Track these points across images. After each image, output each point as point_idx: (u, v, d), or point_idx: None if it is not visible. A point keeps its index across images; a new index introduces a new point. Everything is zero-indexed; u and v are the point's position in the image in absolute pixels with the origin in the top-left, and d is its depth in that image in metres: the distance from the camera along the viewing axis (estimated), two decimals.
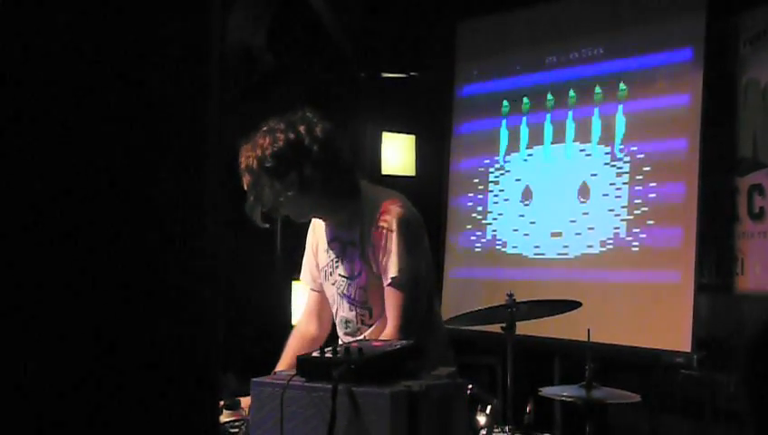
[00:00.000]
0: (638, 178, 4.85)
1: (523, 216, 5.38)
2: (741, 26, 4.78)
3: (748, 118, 4.76)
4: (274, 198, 2.94)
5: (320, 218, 3.15)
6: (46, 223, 1.08)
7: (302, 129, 2.94)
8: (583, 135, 5.14)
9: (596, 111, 5.10)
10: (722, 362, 4.70)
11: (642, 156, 4.85)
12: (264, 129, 2.98)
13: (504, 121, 5.56)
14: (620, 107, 4.99)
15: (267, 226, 3.09)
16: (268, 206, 2.97)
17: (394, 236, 2.92)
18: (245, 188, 2.99)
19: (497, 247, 5.49)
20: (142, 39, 1.13)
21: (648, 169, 4.82)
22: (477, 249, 5.61)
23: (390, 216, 2.95)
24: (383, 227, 2.94)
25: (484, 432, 2.86)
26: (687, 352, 4.52)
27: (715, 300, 4.87)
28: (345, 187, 3.02)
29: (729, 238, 4.79)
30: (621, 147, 4.94)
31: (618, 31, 5.09)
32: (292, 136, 2.92)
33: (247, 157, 2.95)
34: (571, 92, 5.22)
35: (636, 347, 4.72)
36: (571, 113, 5.22)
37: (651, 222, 4.78)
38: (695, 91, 4.69)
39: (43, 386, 1.07)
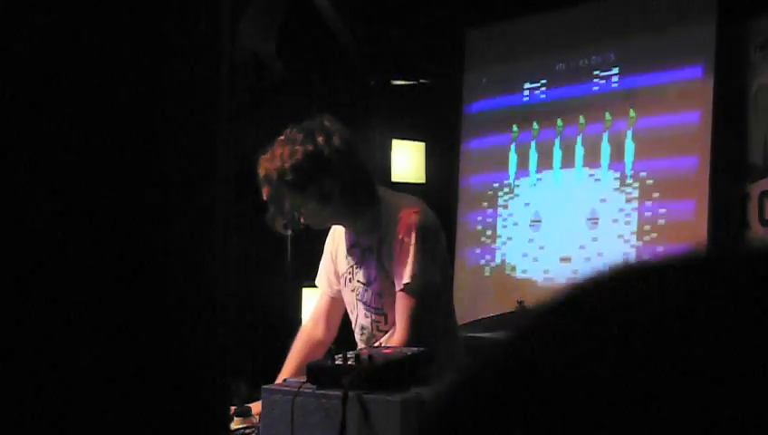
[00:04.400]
0: (647, 203, 4.83)
1: (532, 240, 5.37)
2: (751, 32, 4.78)
3: (759, 124, 4.75)
4: (295, 209, 2.92)
5: (339, 225, 3.13)
6: (49, 230, 1.08)
7: (320, 139, 2.91)
8: (593, 159, 5.12)
9: (605, 136, 5.08)
10: None
11: (651, 182, 4.83)
12: (282, 138, 2.94)
13: (513, 146, 5.56)
14: (630, 133, 4.97)
15: (289, 232, 3.08)
16: (288, 217, 2.94)
17: (411, 241, 2.90)
18: (265, 198, 2.97)
19: (507, 273, 5.48)
20: (150, 46, 1.14)
21: (657, 194, 4.80)
22: (486, 274, 5.60)
23: (409, 221, 2.93)
24: (401, 233, 2.92)
25: None
26: None
27: None
28: (364, 194, 3.00)
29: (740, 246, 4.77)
30: (631, 172, 4.92)
31: (628, 38, 5.08)
32: (310, 147, 2.89)
33: (266, 168, 2.91)
34: (581, 119, 5.21)
35: None
36: (580, 139, 5.21)
37: (661, 249, 4.76)
38: (705, 98, 4.69)
39: (46, 391, 1.08)
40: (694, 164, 4.69)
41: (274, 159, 2.90)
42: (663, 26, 4.93)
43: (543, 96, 5.44)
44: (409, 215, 2.96)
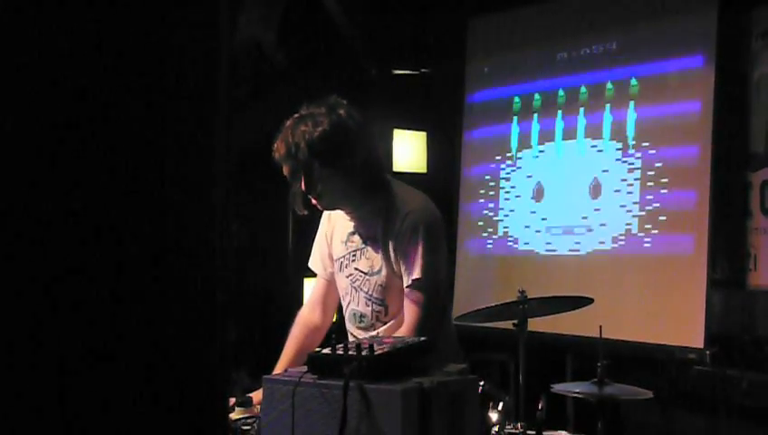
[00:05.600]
0: (650, 173, 4.83)
1: (534, 212, 5.38)
2: (753, 21, 4.77)
3: (760, 113, 4.74)
4: (324, 182, 2.91)
5: (344, 209, 3.11)
6: (51, 222, 1.08)
7: (342, 112, 2.91)
8: (595, 131, 5.13)
9: (607, 107, 5.08)
10: (735, 358, 4.69)
11: (654, 151, 4.83)
12: (298, 116, 2.92)
13: (515, 118, 5.56)
14: (632, 103, 4.97)
15: (306, 212, 3.06)
16: (317, 191, 2.92)
17: (419, 237, 2.90)
18: (287, 176, 2.96)
19: (509, 244, 5.49)
20: (150, 36, 1.13)
21: (660, 164, 4.80)
22: (489, 246, 5.61)
23: (416, 216, 2.93)
24: (408, 228, 2.92)
25: (496, 429, 2.86)
26: (700, 349, 4.51)
27: (727, 296, 4.85)
28: (376, 178, 3.00)
29: (741, 234, 4.77)
30: (633, 143, 4.92)
31: (630, 27, 5.07)
32: (335, 118, 2.89)
33: (288, 144, 2.88)
34: (583, 89, 5.21)
35: (648, 343, 4.71)
36: (582, 110, 5.21)
37: (663, 218, 4.76)
38: (707, 86, 4.67)
39: (51, 382, 1.08)
40: (695, 153, 4.68)
41: (297, 134, 2.88)
42: (665, 15, 4.91)
43: (545, 86, 5.43)
44: (417, 210, 2.95)
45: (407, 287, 2.93)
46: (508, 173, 5.56)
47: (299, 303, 5.22)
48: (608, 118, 5.07)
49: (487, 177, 5.67)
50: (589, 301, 3.46)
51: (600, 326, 3.18)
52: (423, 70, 6.07)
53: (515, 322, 3.22)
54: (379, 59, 6.01)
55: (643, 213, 4.85)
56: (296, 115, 2.93)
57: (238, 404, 2.85)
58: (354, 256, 3.08)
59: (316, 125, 2.87)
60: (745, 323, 4.80)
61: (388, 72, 6.03)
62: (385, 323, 3.04)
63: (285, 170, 2.94)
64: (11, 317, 1.06)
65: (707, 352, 4.50)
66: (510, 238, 5.49)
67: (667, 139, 4.80)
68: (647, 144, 4.87)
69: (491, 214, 5.63)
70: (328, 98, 2.97)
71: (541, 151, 5.40)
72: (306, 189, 2.93)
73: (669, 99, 4.84)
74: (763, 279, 4.66)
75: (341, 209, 3.10)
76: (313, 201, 2.99)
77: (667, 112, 4.83)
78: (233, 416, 2.79)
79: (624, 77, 5.04)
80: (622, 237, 4.92)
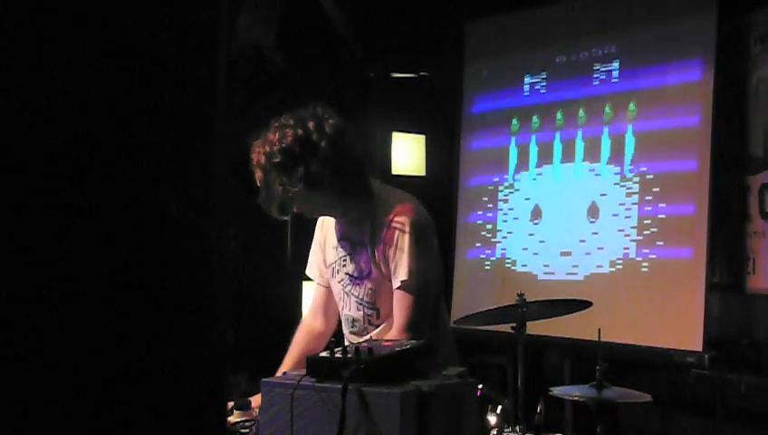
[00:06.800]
0: (647, 198, 4.81)
1: (532, 234, 5.36)
2: (751, 25, 4.77)
3: (759, 116, 4.74)
4: (283, 193, 2.94)
5: (330, 216, 3.15)
6: (48, 223, 1.08)
7: (311, 124, 2.94)
8: (593, 155, 5.11)
9: (606, 111, 5.08)
10: (733, 361, 4.69)
11: (651, 176, 4.81)
12: (275, 124, 2.98)
13: (513, 139, 5.55)
14: (631, 106, 4.97)
15: (285, 218, 3.10)
16: (278, 201, 2.97)
17: (406, 238, 2.92)
18: (258, 183, 3.00)
19: (506, 266, 5.48)
20: (148, 37, 1.13)
21: (657, 189, 4.78)
22: (487, 267, 5.60)
23: (403, 218, 2.95)
24: (395, 230, 2.93)
25: (495, 432, 2.86)
26: (699, 352, 4.50)
27: (726, 299, 4.85)
28: (355, 185, 3.02)
29: (740, 238, 4.77)
30: (631, 167, 4.90)
31: (628, 31, 5.07)
32: (300, 132, 2.92)
33: (258, 152, 2.96)
34: (581, 112, 5.19)
35: (647, 347, 4.70)
36: (580, 133, 5.19)
37: (661, 243, 4.74)
38: (706, 90, 4.67)
39: (46, 387, 1.08)
40: (694, 157, 4.68)
41: (266, 144, 2.94)
42: (664, 19, 4.91)
43: (544, 90, 5.43)
44: (405, 211, 2.97)
45: (396, 289, 2.94)
46: (506, 195, 5.55)
47: (298, 306, 5.22)
48: (605, 142, 5.05)
49: (485, 198, 5.66)
50: (587, 304, 3.46)
51: (599, 329, 3.18)
52: (422, 73, 6.07)
53: (514, 325, 3.22)
54: (378, 62, 6.00)
55: (640, 237, 4.83)
56: (274, 124, 2.97)
57: (237, 407, 2.85)
58: (344, 260, 3.10)
59: (282, 137, 2.93)
60: (744, 326, 4.80)
61: (386, 75, 6.03)
62: (378, 327, 3.05)
63: (256, 178, 2.99)
64: (18, 321, 1.06)
65: (706, 355, 4.50)
66: (508, 260, 5.48)
67: (666, 142, 4.80)
68: (645, 168, 4.84)
69: (489, 235, 5.61)
70: (306, 107, 3.00)
71: (539, 174, 5.39)
72: (267, 197, 2.97)
73: (668, 102, 4.84)
74: (761, 283, 4.66)
75: (326, 215, 3.14)
76: (295, 209, 3.03)
77: (666, 116, 4.83)
78: (231, 419, 2.79)
79: (623, 81, 5.04)
80: (620, 261, 4.91)
